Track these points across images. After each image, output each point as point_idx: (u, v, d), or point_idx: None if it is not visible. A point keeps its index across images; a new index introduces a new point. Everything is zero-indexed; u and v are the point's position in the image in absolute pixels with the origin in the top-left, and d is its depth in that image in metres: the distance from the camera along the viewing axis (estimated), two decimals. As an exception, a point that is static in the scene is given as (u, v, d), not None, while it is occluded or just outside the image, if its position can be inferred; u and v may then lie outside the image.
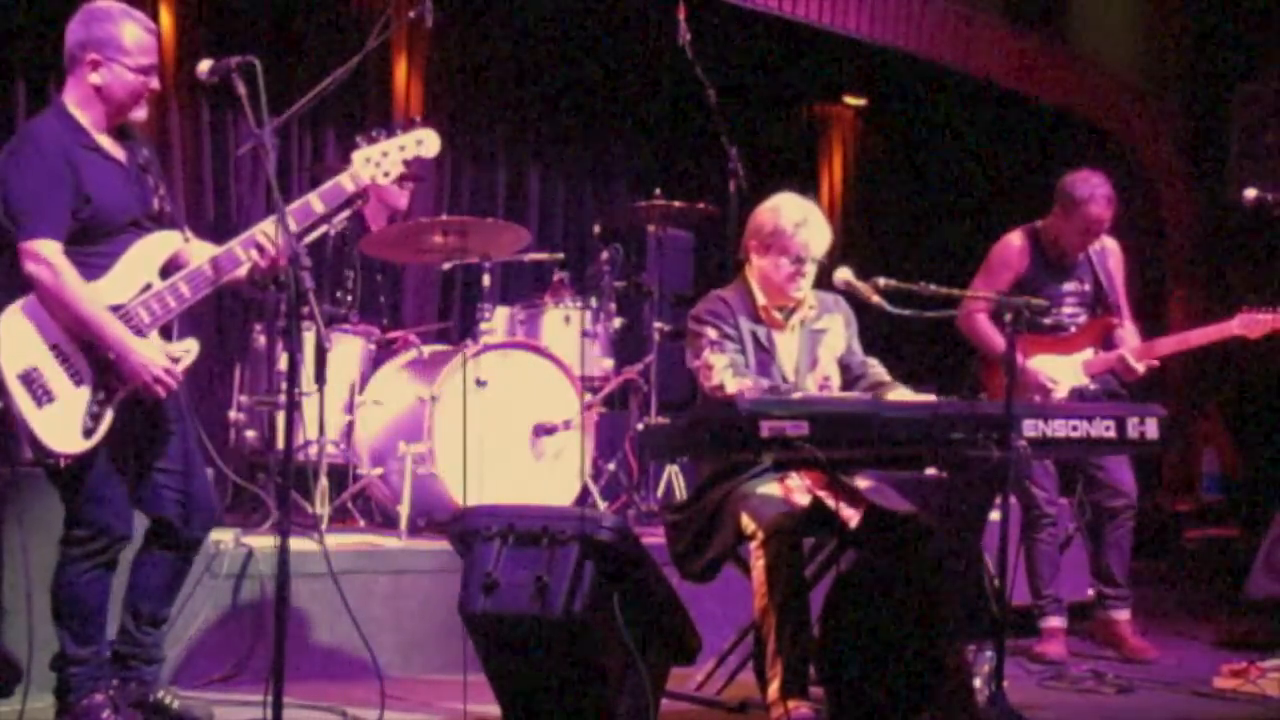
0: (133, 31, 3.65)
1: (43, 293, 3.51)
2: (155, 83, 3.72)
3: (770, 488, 3.95)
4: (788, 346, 4.22)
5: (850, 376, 4.27)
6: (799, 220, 4.16)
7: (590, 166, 8.47)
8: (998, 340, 5.13)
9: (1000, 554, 4.01)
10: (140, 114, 3.71)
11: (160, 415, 3.73)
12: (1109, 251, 5.48)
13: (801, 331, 4.24)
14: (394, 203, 6.18)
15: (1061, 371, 5.24)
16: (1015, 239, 5.42)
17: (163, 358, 3.57)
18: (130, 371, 3.53)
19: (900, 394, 4.11)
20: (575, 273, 6.44)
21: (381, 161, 3.88)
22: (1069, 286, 5.38)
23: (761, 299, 4.21)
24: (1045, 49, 9.04)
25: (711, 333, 4.11)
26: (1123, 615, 5.46)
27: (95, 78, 3.63)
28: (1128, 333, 5.40)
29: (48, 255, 3.49)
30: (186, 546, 3.82)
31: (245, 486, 5.48)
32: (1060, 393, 5.18)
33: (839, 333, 4.28)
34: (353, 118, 7.25)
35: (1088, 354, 5.30)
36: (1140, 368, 5.25)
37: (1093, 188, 5.28)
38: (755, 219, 4.25)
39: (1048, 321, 5.22)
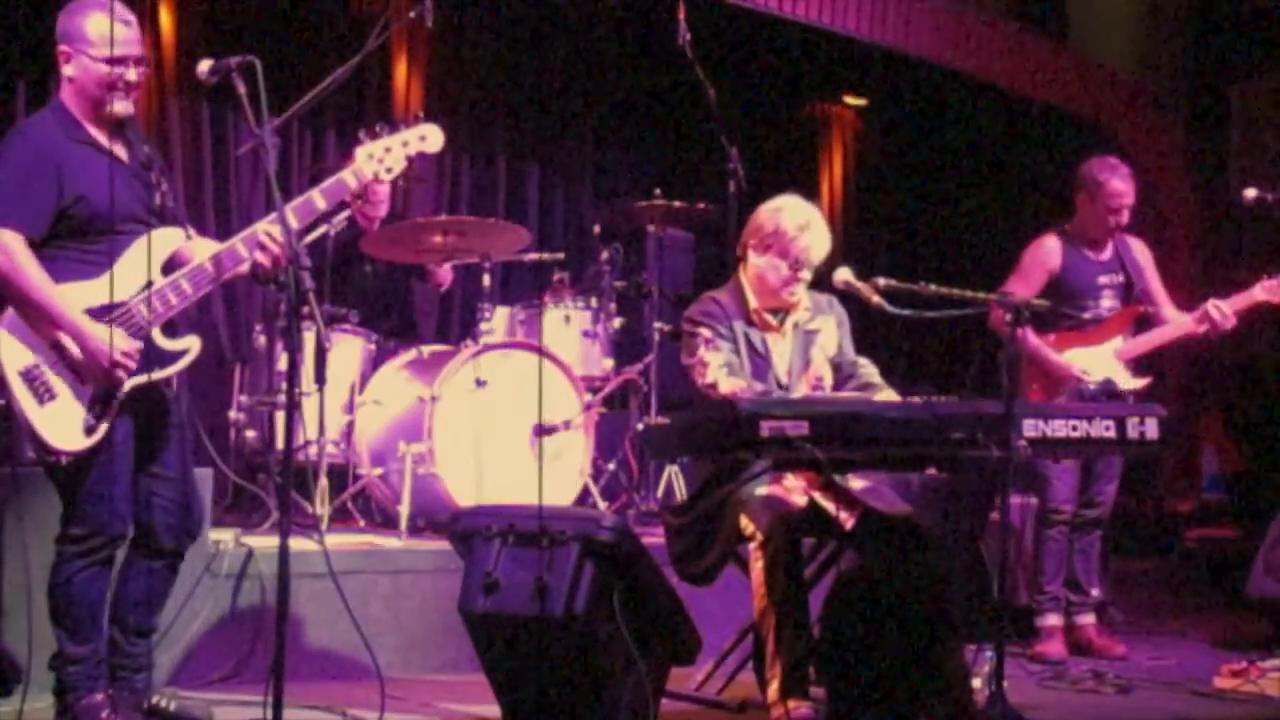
0: (98, 22, 3.60)
1: (2, 281, 3.50)
2: (131, 74, 3.64)
3: (768, 489, 3.95)
4: (781, 349, 4.21)
5: (840, 376, 4.26)
6: (802, 224, 4.14)
7: (590, 166, 8.47)
8: (1030, 340, 5.16)
9: (1001, 554, 4.01)
10: (120, 108, 3.64)
11: (161, 420, 3.72)
12: (1134, 245, 5.53)
13: (795, 334, 4.23)
14: (372, 213, 6.16)
15: (1093, 362, 5.26)
16: (1047, 239, 5.46)
17: (122, 341, 3.52)
18: (89, 357, 3.50)
19: (886, 396, 4.11)
20: (575, 273, 6.44)
21: (384, 157, 3.87)
22: (1104, 279, 5.41)
23: (754, 301, 4.20)
24: (1045, 49, 9.04)
25: (705, 332, 4.10)
26: (1087, 620, 5.49)
27: (68, 70, 3.64)
28: (1171, 315, 5.42)
29: (7, 243, 3.47)
30: (169, 554, 3.80)
31: (245, 486, 5.48)
32: (1097, 379, 5.23)
33: (831, 334, 4.27)
34: (353, 118, 7.24)
35: (1117, 342, 5.32)
36: (1228, 312, 5.20)
37: (1111, 166, 5.39)
38: (756, 218, 4.23)
39: (1087, 316, 5.26)
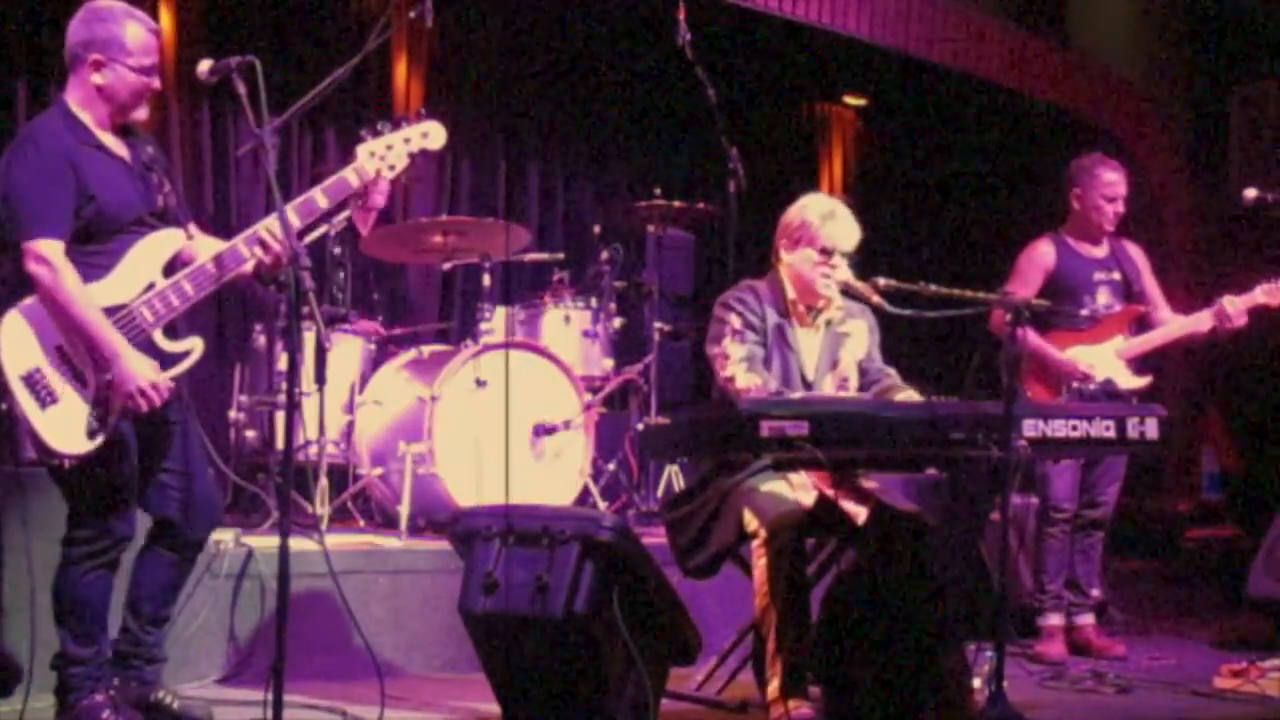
0: (135, 31, 3.65)
1: (41, 293, 3.50)
2: (157, 83, 3.72)
3: (774, 485, 3.95)
4: (809, 344, 4.24)
5: (866, 381, 4.28)
6: (825, 213, 4.22)
7: (590, 166, 8.48)
8: (1033, 340, 5.17)
9: (1001, 554, 4.01)
10: (142, 114, 3.71)
11: (164, 416, 3.71)
12: (1130, 246, 5.56)
13: (826, 332, 4.26)
14: (371, 205, 6.16)
15: (1094, 361, 5.27)
16: (1040, 243, 5.49)
17: (152, 372, 3.53)
18: (117, 379, 3.51)
19: (908, 395, 4.12)
20: (575, 273, 6.45)
21: (386, 155, 3.87)
22: (1100, 275, 5.43)
23: (792, 293, 4.23)
24: (1045, 49, 9.04)
25: (735, 320, 4.12)
26: (1086, 620, 5.50)
27: (98, 78, 3.63)
28: (1167, 316, 5.45)
29: (49, 255, 3.48)
30: (188, 547, 3.82)
31: (245, 486, 5.48)
32: (1099, 377, 5.24)
33: (861, 338, 4.30)
34: (353, 118, 7.25)
35: (1118, 341, 5.32)
36: (1241, 308, 5.21)
37: (1100, 159, 5.47)
38: (784, 218, 4.30)
39: (1085, 313, 5.29)
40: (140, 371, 3.52)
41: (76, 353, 3.53)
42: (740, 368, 3.99)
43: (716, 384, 4.11)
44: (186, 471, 3.77)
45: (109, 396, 3.53)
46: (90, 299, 3.51)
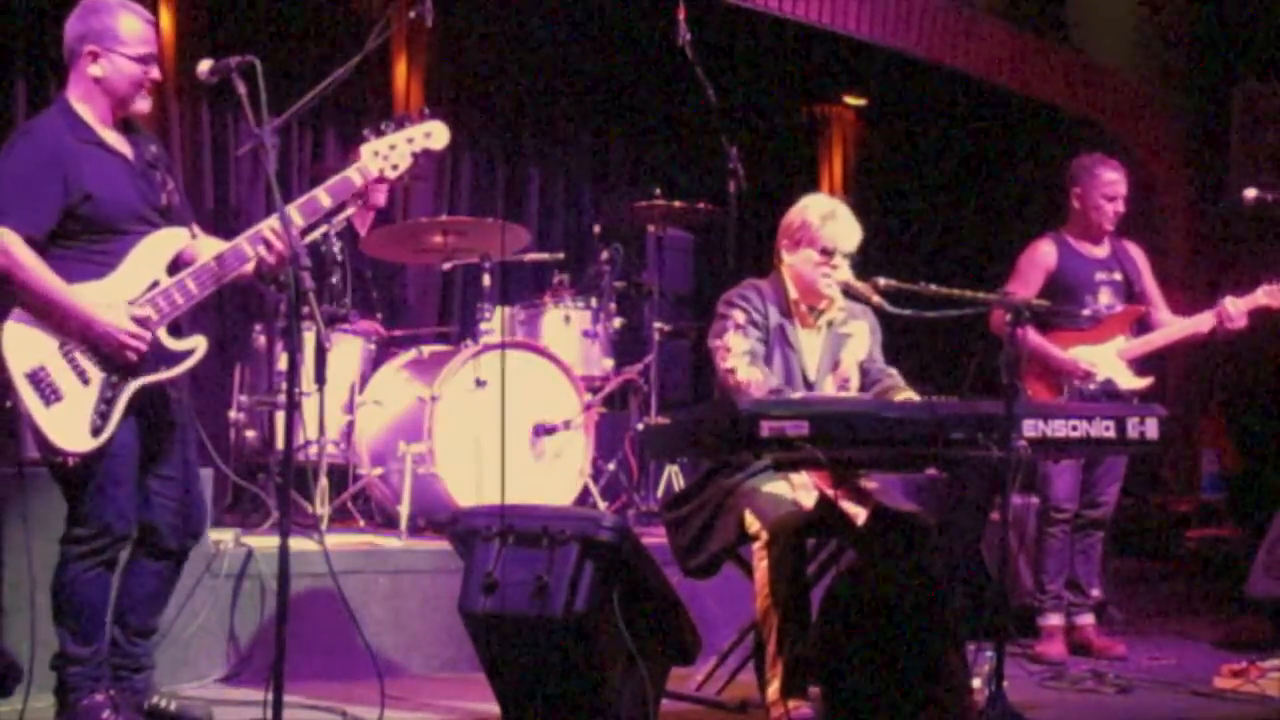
0: (129, 21, 3.66)
1: (4, 278, 3.50)
2: (156, 73, 3.72)
3: (775, 486, 3.95)
4: (811, 344, 4.24)
5: (868, 382, 4.28)
6: (825, 213, 4.23)
7: (590, 166, 8.47)
8: (1033, 339, 5.16)
9: (1001, 554, 4.01)
10: (143, 106, 3.71)
11: (165, 421, 3.72)
12: (1131, 247, 5.57)
13: (827, 332, 4.27)
14: (371, 203, 6.16)
15: (1097, 359, 5.27)
16: (1041, 243, 5.49)
17: (127, 321, 3.53)
18: (98, 339, 3.51)
19: (908, 396, 4.12)
20: (575, 273, 6.45)
21: (389, 154, 3.88)
22: (1101, 276, 5.44)
23: (794, 294, 4.24)
24: (1045, 49, 9.04)
25: (739, 316, 4.12)
26: (1087, 620, 5.50)
27: (95, 70, 3.64)
28: (1167, 317, 5.45)
29: (3, 242, 3.48)
30: (173, 556, 3.81)
31: (245, 486, 5.48)
32: (1100, 377, 5.24)
33: (863, 339, 4.31)
34: (353, 117, 7.25)
35: (1119, 342, 5.32)
36: (1243, 309, 5.22)
37: (1100, 159, 5.48)
38: (785, 218, 4.31)
39: (1087, 313, 5.30)
40: (118, 323, 3.52)
41: (80, 350, 3.53)
42: (742, 361, 3.99)
43: (717, 377, 4.12)
44: (180, 479, 3.76)
45: (122, 387, 3.53)
46: (50, 274, 3.50)
